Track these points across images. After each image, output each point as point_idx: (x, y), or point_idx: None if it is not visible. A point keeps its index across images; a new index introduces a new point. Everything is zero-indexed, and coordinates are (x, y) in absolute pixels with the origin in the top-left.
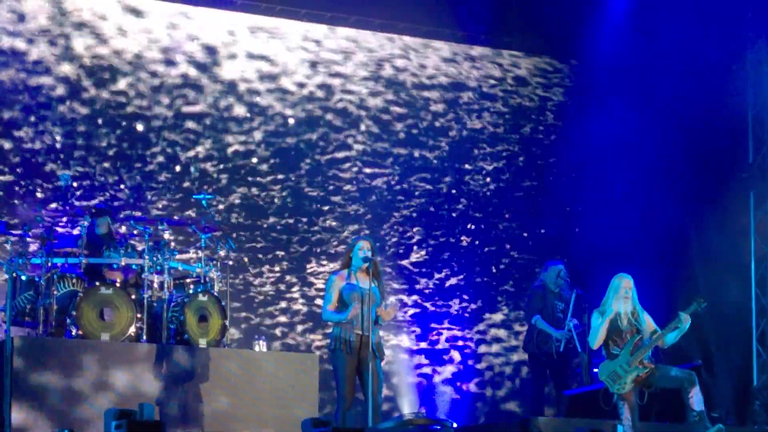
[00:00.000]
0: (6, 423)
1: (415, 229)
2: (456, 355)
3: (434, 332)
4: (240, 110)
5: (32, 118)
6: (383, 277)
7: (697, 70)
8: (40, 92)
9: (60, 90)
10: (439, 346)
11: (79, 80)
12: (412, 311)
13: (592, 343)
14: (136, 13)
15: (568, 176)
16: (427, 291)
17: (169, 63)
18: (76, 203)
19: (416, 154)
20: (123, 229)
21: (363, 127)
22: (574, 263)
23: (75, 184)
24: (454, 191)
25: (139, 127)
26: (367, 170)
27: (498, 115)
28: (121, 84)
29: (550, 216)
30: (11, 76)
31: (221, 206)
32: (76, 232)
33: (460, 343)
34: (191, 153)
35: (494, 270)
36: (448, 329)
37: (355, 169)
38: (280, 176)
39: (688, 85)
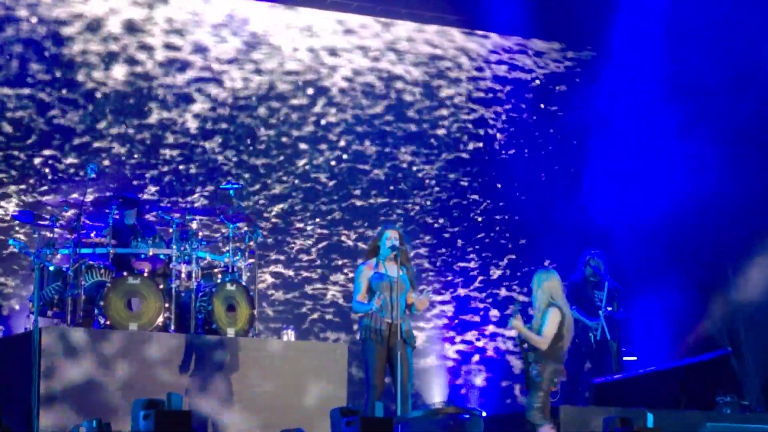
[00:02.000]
0: (34, 413)
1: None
2: (488, 344)
3: (465, 320)
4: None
5: None
6: (412, 266)
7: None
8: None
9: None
10: (469, 336)
11: None
12: (441, 298)
13: (546, 335)
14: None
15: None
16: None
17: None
18: (106, 193)
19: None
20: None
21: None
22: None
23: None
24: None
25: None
26: None
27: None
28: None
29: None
30: None
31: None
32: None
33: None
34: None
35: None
36: (482, 318)
37: None
38: None
39: (721, 78)
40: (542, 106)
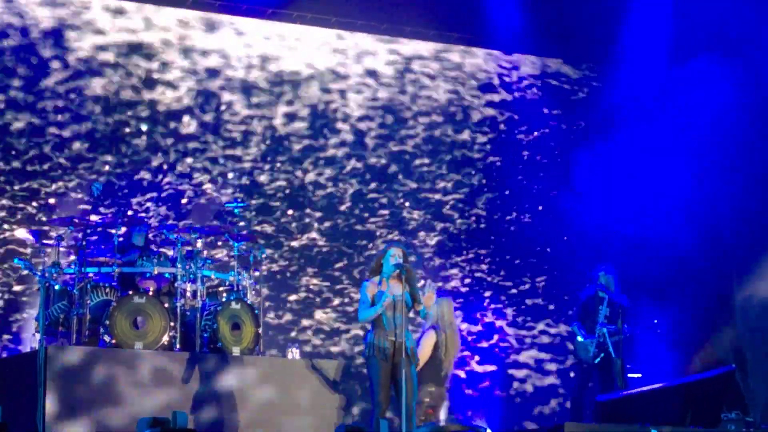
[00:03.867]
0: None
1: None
2: (491, 364)
3: (473, 334)
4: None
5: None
6: (416, 281)
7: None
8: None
9: None
10: (478, 348)
11: None
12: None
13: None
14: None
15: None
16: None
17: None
18: (108, 211)
19: None
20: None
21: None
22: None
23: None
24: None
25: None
26: None
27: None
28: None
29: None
30: None
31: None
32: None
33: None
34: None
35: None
36: (488, 334)
37: None
38: None
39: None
40: (546, 110)
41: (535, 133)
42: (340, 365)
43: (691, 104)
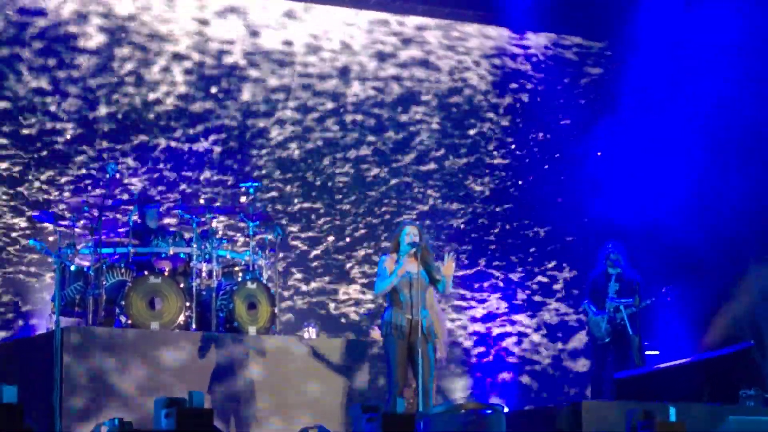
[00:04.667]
0: (56, 413)
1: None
2: (511, 339)
3: (489, 315)
4: None
5: None
6: (433, 256)
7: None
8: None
9: None
10: (496, 329)
11: None
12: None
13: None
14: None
15: None
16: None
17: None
18: (123, 193)
19: None
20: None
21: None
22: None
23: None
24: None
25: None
26: None
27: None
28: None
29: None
30: None
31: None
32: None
33: (517, 328)
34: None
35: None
36: (505, 313)
37: None
38: None
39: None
40: (561, 100)
41: (560, 120)
42: (344, 343)
43: (701, 90)
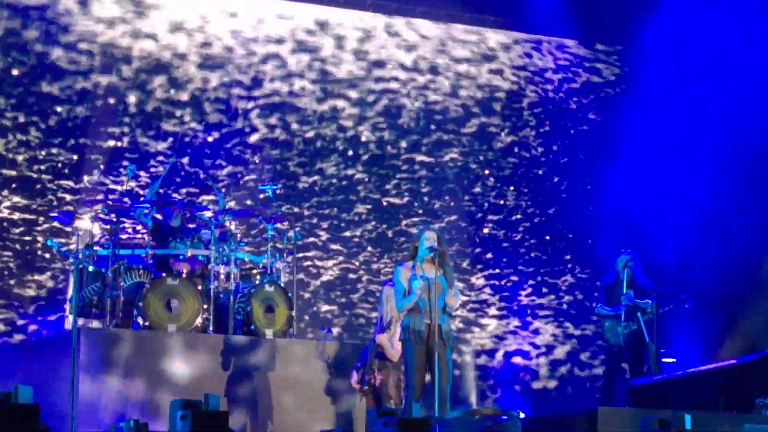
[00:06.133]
0: (72, 413)
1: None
2: (526, 345)
3: (506, 320)
4: None
5: None
6: (451, 265)
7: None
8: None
9: None
10: (510, 336)
11: None
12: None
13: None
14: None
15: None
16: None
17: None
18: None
19: None
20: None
21: None
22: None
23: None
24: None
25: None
26: None
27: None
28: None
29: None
30: None
31: None
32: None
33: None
34: None
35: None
36: (522, 318)
37: None
38: None
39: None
40: (574, 102)
41: (560, 118)
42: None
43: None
